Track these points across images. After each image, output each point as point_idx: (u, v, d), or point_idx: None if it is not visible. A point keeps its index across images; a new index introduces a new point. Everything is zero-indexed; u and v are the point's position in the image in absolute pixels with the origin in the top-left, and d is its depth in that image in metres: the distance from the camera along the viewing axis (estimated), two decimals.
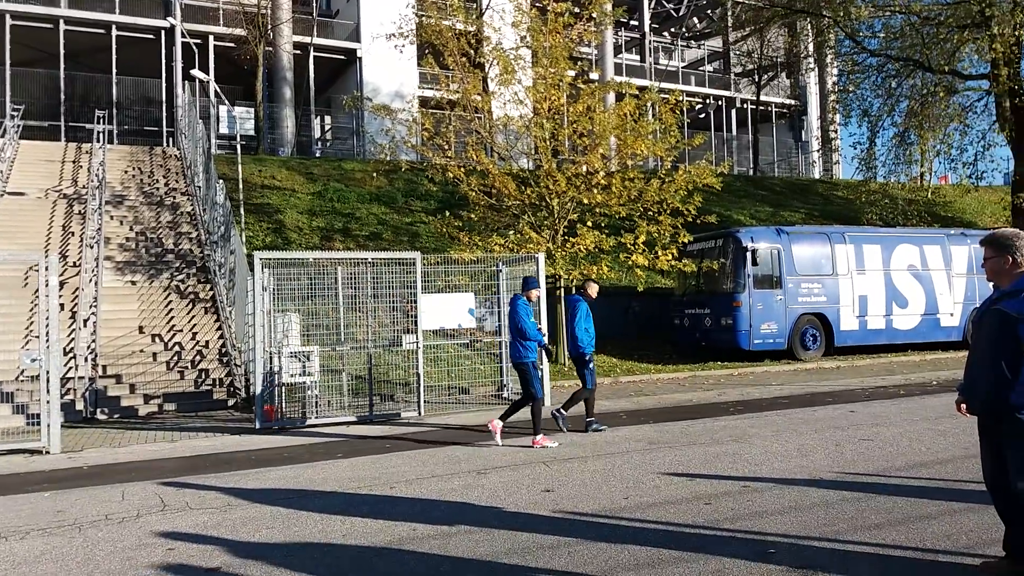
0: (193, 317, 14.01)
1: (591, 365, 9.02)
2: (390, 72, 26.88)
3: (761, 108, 35.53)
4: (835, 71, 27.08)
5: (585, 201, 14.71)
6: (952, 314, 17.15)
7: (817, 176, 35.47)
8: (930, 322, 16.97)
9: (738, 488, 6.15)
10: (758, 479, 6.41)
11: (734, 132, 36.41)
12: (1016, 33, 18.58)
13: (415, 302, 10.48)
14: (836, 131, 26.31)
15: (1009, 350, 3.85)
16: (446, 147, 15.34)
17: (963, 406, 4.30)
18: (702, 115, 36.21)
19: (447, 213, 14.92)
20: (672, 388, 12.78)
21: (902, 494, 5.85)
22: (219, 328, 13.75)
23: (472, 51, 15.85)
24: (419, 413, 10.41)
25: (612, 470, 6.92)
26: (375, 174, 20.05)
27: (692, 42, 40.48)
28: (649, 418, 9.74)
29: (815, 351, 15.91)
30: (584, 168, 14.66)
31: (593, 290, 9.32)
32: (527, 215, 14.73)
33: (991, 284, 4.21)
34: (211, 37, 26.39)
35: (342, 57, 29.01)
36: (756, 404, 10.65)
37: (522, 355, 8.33)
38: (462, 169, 14.95)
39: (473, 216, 15.08)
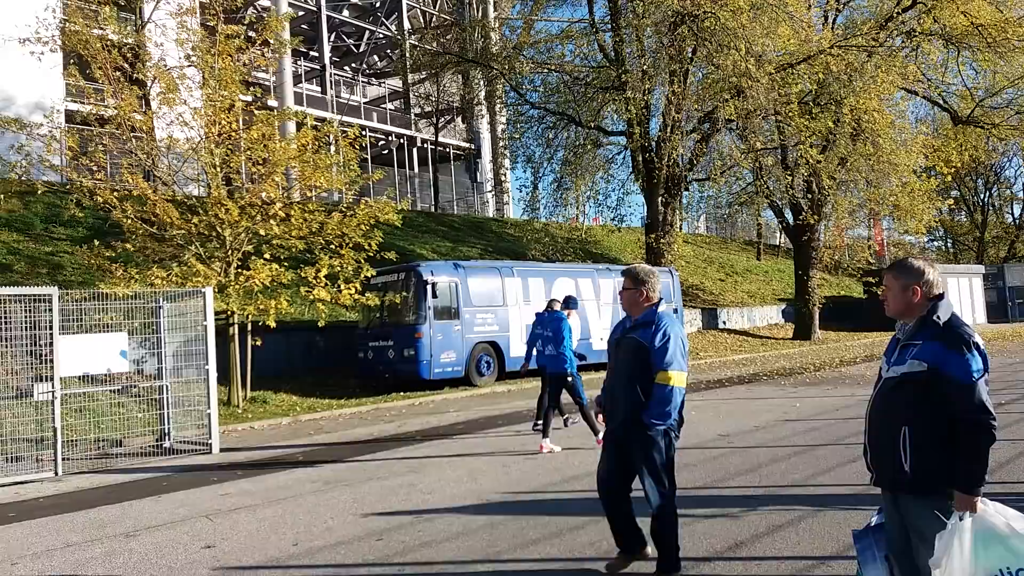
0: None
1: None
2: (28, 80, 23.31)
3: (440, 148, 37.35)
4: (504, 119, 29.50)
5: (262, 232, 14.06)
6: (602, 339, 19.37)
7: (491, 214, 38.11)
8: (584, 346, 18.96)
9: (410, 520, 6.18)
10: (430, 508, 6.52)
11: (416, 170, 37.75)
12: (646, 98, 21.85)
13: (50, 345, 9.04)
14: (506, 174, 28.62)
15: (643, 375, 4.44)
16: (96, 168, 13.65)
17: (600, 416, 4.88)
18: (385, 151, 37.01)
19: (97, 243, 13.24)
20: (354, 423, 12.62)
21: (559, 508, 6.34)
22: None
23: (129, 66, 14.39)
24: (56, 473, 8.96)
25: (283, 516, 6.55)
26: (2, 196, 17.17)
27: (373, 79, 41.32)
28: (328, 457, 9.47)
29: (489, 377, 16.88)
30: (261, 198, 14.02)
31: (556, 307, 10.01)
32: (194, 246, 13.64)
33: (623, 312, 4.76)
34: None
35: None
36: (434, 432, 10.93)
37: (565, 368, 9.12)
38: (115, 193, 13.41)
39: (130, 246, 13.58)
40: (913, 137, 25.97)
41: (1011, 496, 5.77)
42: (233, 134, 14.23)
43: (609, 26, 22.76)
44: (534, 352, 10.27)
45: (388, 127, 36.81)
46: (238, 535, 6.04)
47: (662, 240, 23.08)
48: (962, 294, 33.83)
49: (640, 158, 22.76)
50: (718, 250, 41.97)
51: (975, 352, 3.07)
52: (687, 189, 25.18)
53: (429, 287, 15.79)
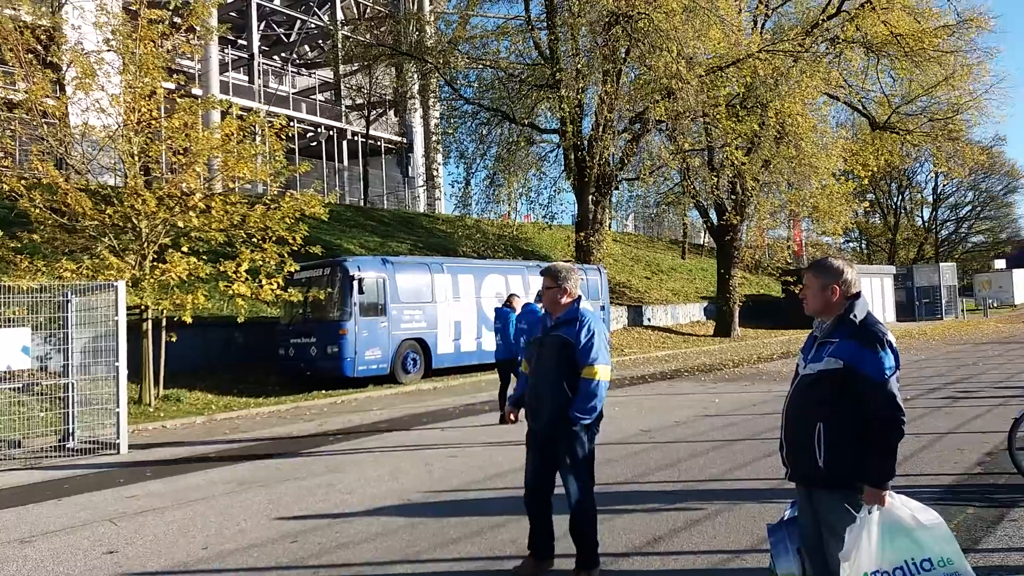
0: None
1: None
2: None
3: (371, 142, 36.78)
4: (437, 113, 29.24)
5: (180, 224, 13.54)
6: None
7: (422, 209, 37.78)
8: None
9: (328, 521, 6.03)
10: (349, 509, 6.37)
11: (346, 163, 37.08)
12: (579, 96, 21.98)
13: None
14: (438, 169, 28.39)
15: (569, 372, 4.45)
16: (2, 155, 12.90)
17: (513, 415, 4.85)
18: (314, 143, 36.24)
19: (0, 233, 12.51)
20: (273, 422, 12.28)
21: (481, 507, 6.28)
22: None
23: (42, 48, 13.65)
24: None
25: (193, 519, 6.29)
26: None
27: (304, 69, 40.41)
28: (243, 456, 9.17)
29: (415, 374, 16.70)
30: (181, 188, 13.50)
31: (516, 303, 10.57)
32: (108, 237, 13.04)
33: (542, 308, 4.72)
34: None
35: None
36: (356, 431, 10.72)
37: None
38: (23, 182, 12.70)
39: (37, 237, 12.87)
40: (833, 141, 26.88)
41: (915, 488, 6.00)
42: (153, 122, 13.67)
43: (545, 24, 22.80)
44: (496, 344, 10.89)
45: (317, 118, 36.06)
46: (143, 539, 5.77)
47: (592, 238, 23.29)
48: (874, 293, 35.30)
49: (572, 156, 22.90)
50: (645, 248, 42.68)
51: (888, 350, 3.16)
52: (617, 188, 25.49)
53: (355, 283, 15.50)
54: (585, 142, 22.85)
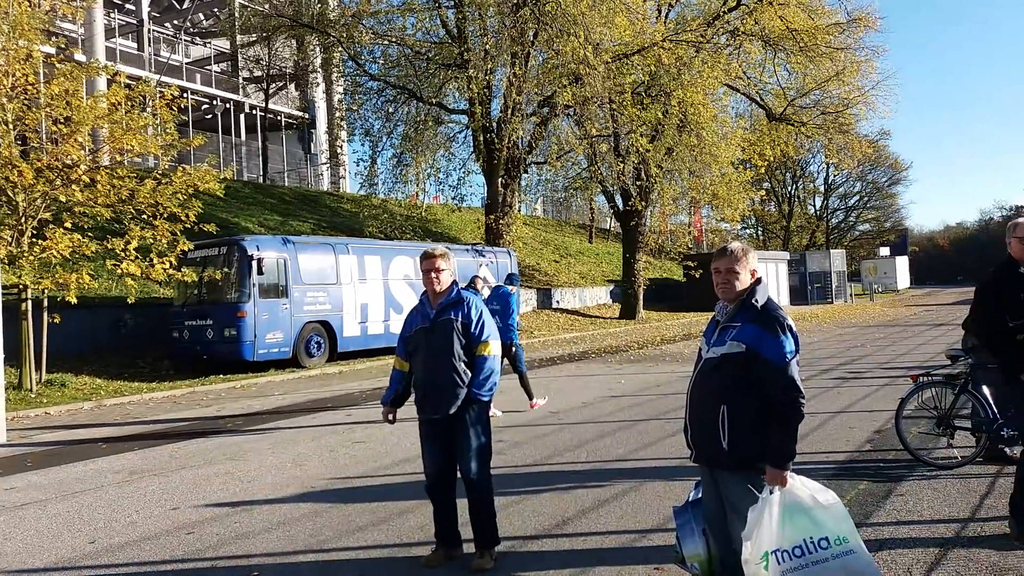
0: None
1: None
2: None
3: (271, 116, 35.46)
4: (341, 89, 28.42)
5: (62, 198, 12.64)
6: None
7: (326, 188, 36.81)
8: None
9: (226, 511, 5.75)
10: (249, 498, 6.10)
11: (243, 137, 35.64)
12: (488, 78, 21.81)
13: None
14: (342, 147, 27.63)
15: (464, 352, 4.42)
16: None
17: (391, 415, 4.67)
18: (209, 116, 34.61)
19: None
20: (167, 407, 11.69)
21: (388, 493, 6.13)
22: None
23: None
24: None
25: (79, 512, 5.88)
26: None
27: (198, 39, 38.47)
28: (135, 444, 8.67)
29: (319, 358, 16.27)
30: (63, 160, 12.58)
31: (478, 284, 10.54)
32: None
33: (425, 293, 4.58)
34: None
35: None
36: (257, 417, 10.33)
37: (510, 338, 9.58)
38: None
39: None
40: (733, 131, 27.80)
41: (810, 465, 6.24)
42: (30, 88, 12.68)
43: (452, 2, 22.47)
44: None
45: (213, 90, 34.42)
46: (24, 534, 5.35)
47: (501, 221, 23.28)
48: (769, 278, 36.89)
49: (481, 138, 22.75)
50: (554, 232, 43.12)
51: (789, 335, 3.24)
52: (526, 171, 25.54)
53: (254, 263, 14.90)
54: (494, 124, 22.75)
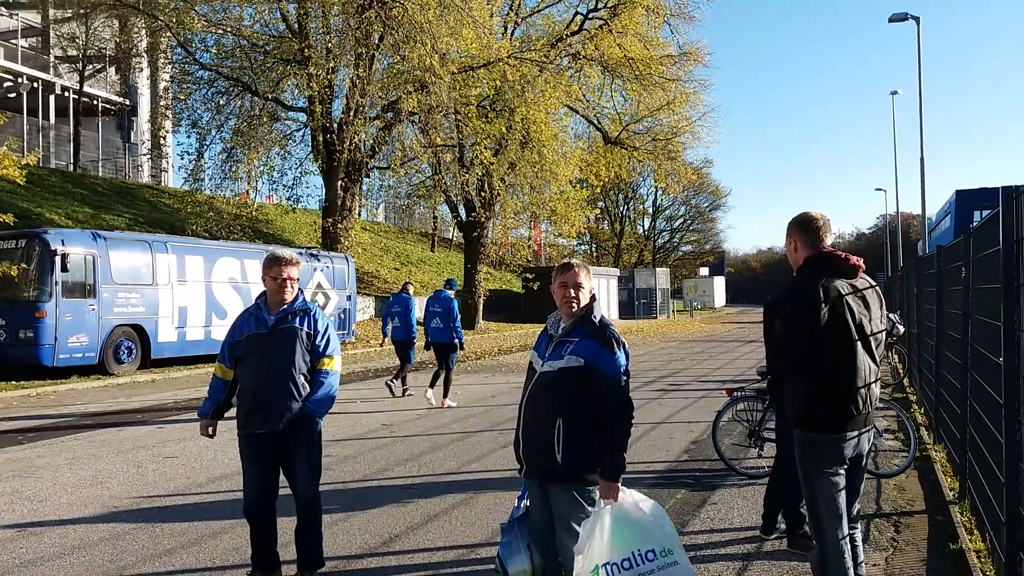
0: None
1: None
2: None
3: (86, 100, 32.49)
4: (167, 76, 26.53)
5: None
6: None
7: (145, 181, 34.21)
8: None
9: (12, 535, 5.11)
10: (41, 520, 5.43)
11: (52, 121, 32.37)
12: (329, 77, 21.16)
13: None
14: (166, 138, 25.76)
15: (303, 364, 4.17)
16: None
17: (211, 428, 4.31)
18: (12, 95, 31.15)
19: None
20: None
21: (200, 512, 5.67)
22: None
23: None
24: None
25: None
26: None
27: (3, 8, 34.57)
28: None
29: (130, 365, 14.97)
30: None
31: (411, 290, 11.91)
32: None
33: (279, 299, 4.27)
34: None
35: None
36: (54, 429, 9.29)
37: (453, 339, 10.61)
38: None
39: None
40: (572, 151, 28.81)
41: (633, 475, 6.45)
42: None
43: None
44: (394, 327, 11.79)
45: (18, 67, 30.98)
46: None
47: (340, 225, 22.61)
48: (601, 293, 38.50)
49: (321, 138, 22.03)
50: (395, 240, 42.64)
51: (622, 350, 3.32)
52: (368, 176, 25.02)
53: (57, 258, 13.49)
54: (335, 125, 22.12)
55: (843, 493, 3.24)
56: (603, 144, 34.45)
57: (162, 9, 21.21)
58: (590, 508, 3.26)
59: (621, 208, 66.87)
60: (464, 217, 29.32)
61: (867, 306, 3.28)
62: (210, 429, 4.29)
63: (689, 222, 74.83)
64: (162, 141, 26.01)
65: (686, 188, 49.86)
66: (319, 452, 4.26)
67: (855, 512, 3.42)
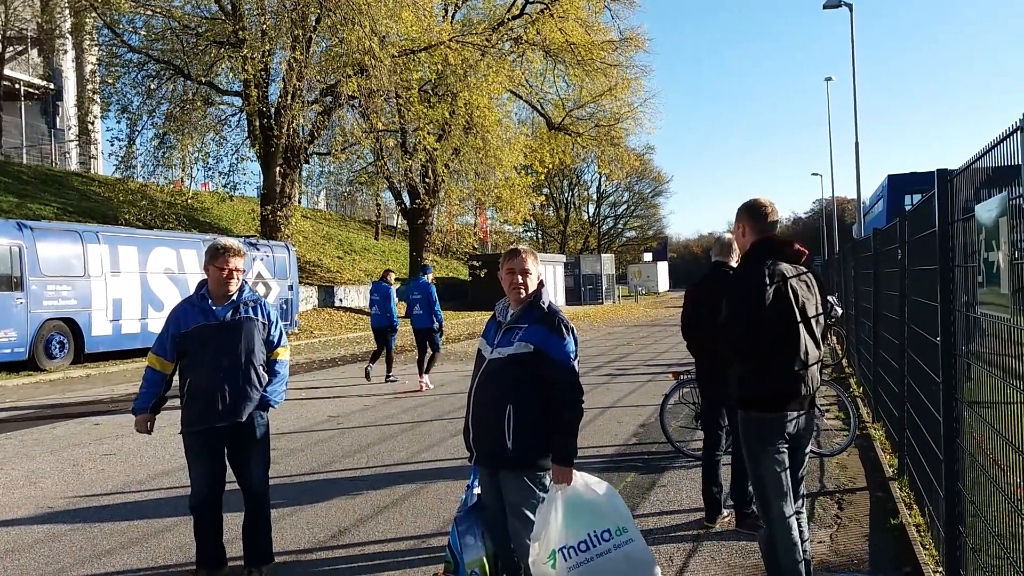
0: None
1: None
2: None
3: (6, 84, 30.95)
4: (95, 59, 25.45)
5: None
6: None
7: (74, 168, 32.86)
8: None
9: None
10: None
11: None
12: (265, 60, 20.61)
13: None
14: (95, 123, 24.75)
15: (260, 355, 4.14)
16: None
17: (149, 423, 4.13)
18: None
19: None
20: None
21: (141, 511, 5.49)
22: None
23: None
24: None
25: None
26: None
27: None
28: None
29: (62, 360, 14.41)
30: None
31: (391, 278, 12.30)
32: None
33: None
34: None
35: None
36: None
37: (433, 323, 11.19)
38: None
39: None
40: (516, 137, 28.73)
41: (584, 460, 6.48)
42: None
43: None
44: (373, 313, 12.25)
45: None
46: None
47: (279, 213, 22.11)
48: (548, 280, 38.48)
49: (257, 123, 21.47)
50: (338, 227, 41.96)
51: (571, 336, 3.33)
52: (307, 162, 24.52)
53: None
54: (272, 109, 21.59)
55: (787, 471, 3.32)
56: (547, 130, 34.49)
57: None
58: (542, 494, 3.26)
59: (566, 195, 67.21)
60: (408, 204, 29.03)
61: (809, 290, 3.40)
62: (148, 425, 4.13)
63: (633, 208, 75.71)
64: (90, 127, 24.93)
65: (629, 174, 50.33)
66: (268, 444, 4.22)
67: (801, 491, 3.50)
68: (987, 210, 2.95)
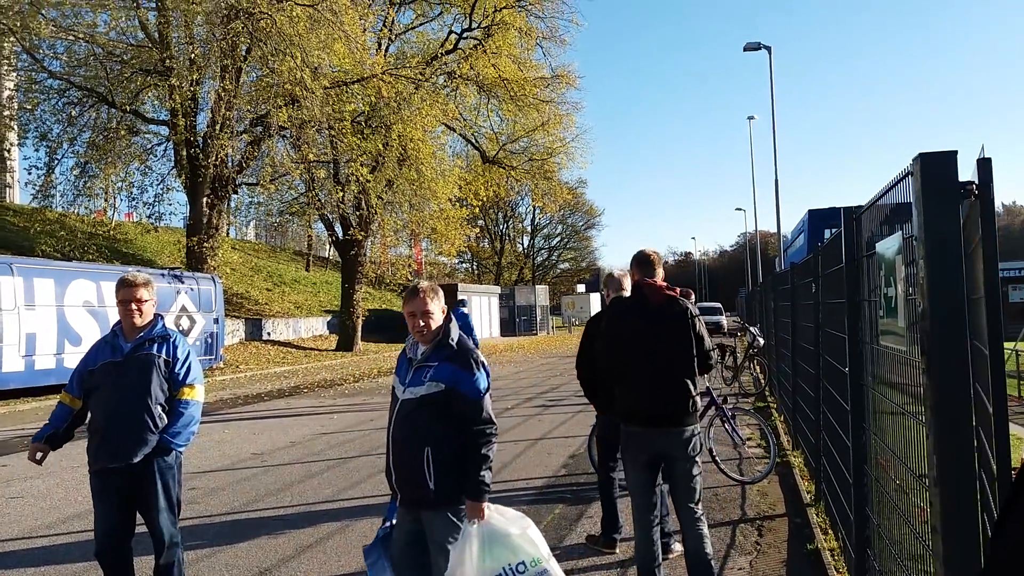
0: None
1: None
2: None
3: None
4: (12, 84, 24.54)
5: None
6: None
7: None
8: None
9: None
10: None
11: None
12: (193, 89, 20.22)
13: None
14: (11, 150, 23.76)
15: (160, 394, 3.94)
16: None
17: (40, 453, 3.97)
18: None
19: None
20: None
21: (50, 556, 5.22)
22: None
23: None
24: None
25: None
26: None
27: None
28: None
29: None
30: None
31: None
32: None
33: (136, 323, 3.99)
34: None
35: None
36: None
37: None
38: None
39: None
40: (451, 169, 28.83)
41: (512, 492, 6.47)
42: None
43: (154, 3, 20.54)
44: None
45: None
46: None
47: (206, 244, 21.55)
48: (483, 311, 38.62)
49: (185, 153, 20.96)
50: (267, 259, 41.14)
51: (482, 370, 3.35)
52: (236, 192, 23.99)
53: None
54: (199, 139, 21.13)
55: (650, 485, 3.97)
56: (481, 163, 34.72)
57: (4, 12, 19.62)
58: (464, 528, 3.25)
59: (501, 226, 67.61)
60: (341, 235, 28.68)
61: (661, 322, 3.99)
62: (39, 455, 3.94)
63: (566, 240, 76.63)
64: (6, 154, 23.88)
65: (562, 207, 51.02)
66: (177, 486, 4.00)
67: (688, 501, 3.98)
68: (887, 247, 3.12)
